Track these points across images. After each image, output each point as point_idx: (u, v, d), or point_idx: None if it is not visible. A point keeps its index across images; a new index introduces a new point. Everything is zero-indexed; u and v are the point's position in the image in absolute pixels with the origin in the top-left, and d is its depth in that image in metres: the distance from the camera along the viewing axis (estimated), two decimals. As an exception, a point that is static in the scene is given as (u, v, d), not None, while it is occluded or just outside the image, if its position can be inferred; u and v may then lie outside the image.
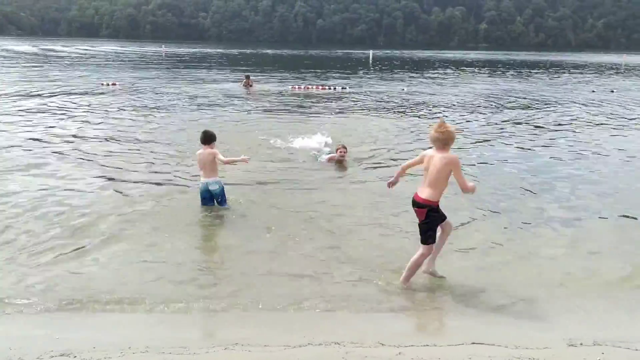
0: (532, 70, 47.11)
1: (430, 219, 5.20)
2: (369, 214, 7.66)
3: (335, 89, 25.76)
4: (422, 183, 5.28)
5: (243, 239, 6.65)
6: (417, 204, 5.23)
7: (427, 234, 5.25)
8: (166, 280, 5.49)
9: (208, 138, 7.46)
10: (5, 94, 20.41)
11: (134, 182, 8.94)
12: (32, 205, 7.57)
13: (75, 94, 21.35)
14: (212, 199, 7.53)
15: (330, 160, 10.64)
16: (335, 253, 6.29)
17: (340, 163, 10.51)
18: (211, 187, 7.44)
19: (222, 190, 7.53)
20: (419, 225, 5.28)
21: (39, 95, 20.57)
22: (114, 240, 6.49)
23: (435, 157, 5.11)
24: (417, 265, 5.37)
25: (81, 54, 59.78)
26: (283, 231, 6.90)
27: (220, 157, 7.41)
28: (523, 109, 20.09)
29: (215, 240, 6.91)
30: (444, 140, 5.07)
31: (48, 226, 6.81)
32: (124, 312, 4.86)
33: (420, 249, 5.33)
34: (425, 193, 5.16)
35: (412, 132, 14.53)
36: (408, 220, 6.74)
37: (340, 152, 10.51)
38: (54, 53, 59.46)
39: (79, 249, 6.21)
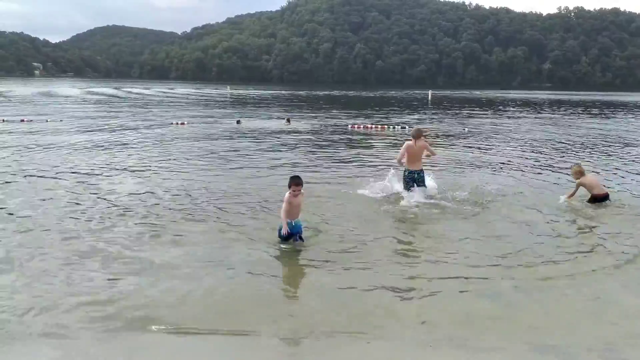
0: (612, 110, 45.80)
1: None
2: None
3: (394, 128, 25.96)
4: None
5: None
6: None
7: None
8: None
9: (302, 183, 7.73)
10: (89, 132, 21.97)
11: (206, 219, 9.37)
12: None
13: (147, 131, 22.67)
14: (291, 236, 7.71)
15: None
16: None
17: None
18: (299, 224, 7.76)
19: None
20: None
21: (115, 131, 22.04)
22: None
23: None
24: None
25: (157, 95, 63.81)
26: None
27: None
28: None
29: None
30: None
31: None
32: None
33: None
34: None
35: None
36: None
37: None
38: (134, 95, 63.99)
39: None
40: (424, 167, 10.90)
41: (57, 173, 12.79)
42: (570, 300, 6.07)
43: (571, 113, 43.03)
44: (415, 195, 10.31)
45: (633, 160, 16.96)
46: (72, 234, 8.01)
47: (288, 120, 27.45)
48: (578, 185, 10.34)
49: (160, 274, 6.54)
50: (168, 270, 6.69)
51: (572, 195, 10.41)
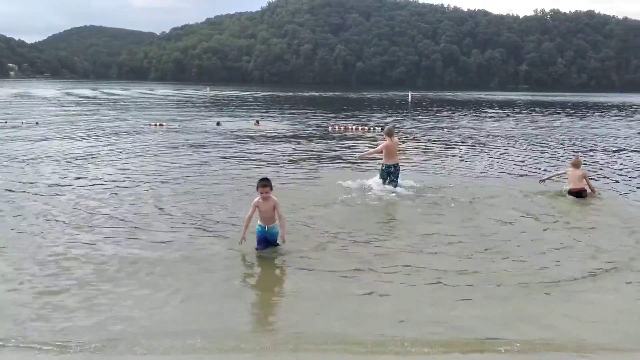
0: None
1: None
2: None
3: (374, 129, 26.02)
4: None
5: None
6: None
7: None
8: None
9: (270, 185, 7.37)
10: (70, 135, 21.58)
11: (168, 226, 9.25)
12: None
13: (124, 134, 22.38)
14: (268, 243, 7.49)
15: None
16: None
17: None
18: (274, 230, 7.44)
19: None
20: None
21: (94, 134, 21.70)
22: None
23: None
24: None
25: (135, 96, 63.07)
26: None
27: (280, 211, 7.44)
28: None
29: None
30: None
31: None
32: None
33: None
34: None
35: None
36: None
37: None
38: (112, 96, 63.08)
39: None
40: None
41: (29, 182, 12.09)
42: (551, 301, 6.15)
43: (549, 114, 43.71)
44: (389, 188, 11.23)
45: (610, 158, 17.31)
46: (41, 252, 7.38)
47: (257, 122, 27.33)
48: (565, 172, 11.65)
49: (135, 287, 6.28)
50: (143, 283, 6.43)
51: (558, 174, 12.07)
